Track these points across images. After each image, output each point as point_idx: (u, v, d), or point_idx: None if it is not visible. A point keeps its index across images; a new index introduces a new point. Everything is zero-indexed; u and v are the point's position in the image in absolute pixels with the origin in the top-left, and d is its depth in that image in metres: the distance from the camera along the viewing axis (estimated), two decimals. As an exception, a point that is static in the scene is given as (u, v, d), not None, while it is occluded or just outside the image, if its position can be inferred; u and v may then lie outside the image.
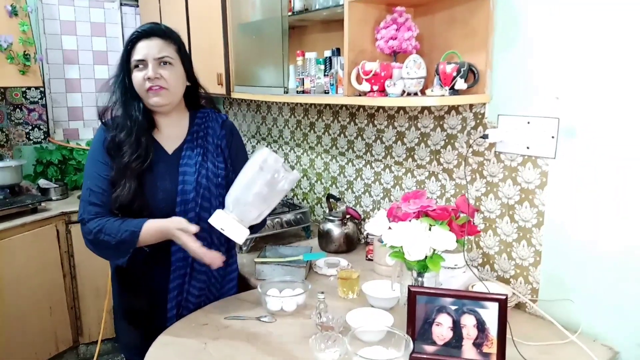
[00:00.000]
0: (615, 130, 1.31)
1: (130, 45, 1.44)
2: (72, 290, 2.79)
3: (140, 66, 1.42)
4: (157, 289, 1.50)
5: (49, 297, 2.66)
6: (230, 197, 1.35)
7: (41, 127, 3.15)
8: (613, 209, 1.33)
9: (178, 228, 1.37)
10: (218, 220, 1.34)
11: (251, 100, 2.95)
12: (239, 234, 1.34)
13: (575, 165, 1.40)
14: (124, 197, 1.40)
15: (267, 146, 2.88)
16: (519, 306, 1.56)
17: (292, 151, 2.68)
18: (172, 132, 1.53)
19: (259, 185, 1.32)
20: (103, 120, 1.50)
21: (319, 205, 2.52)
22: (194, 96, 1.58)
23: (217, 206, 1.50)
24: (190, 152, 1.51)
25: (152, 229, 1.38)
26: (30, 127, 3.12)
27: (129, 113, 1.46)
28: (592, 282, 1.40)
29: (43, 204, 2.72)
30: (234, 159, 1.57)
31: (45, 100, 3.14)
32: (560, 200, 1.45)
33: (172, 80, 1.45)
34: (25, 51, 2.64)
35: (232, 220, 1.33)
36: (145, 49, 1.42)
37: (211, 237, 1.51)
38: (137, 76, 1.43)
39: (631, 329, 1.33)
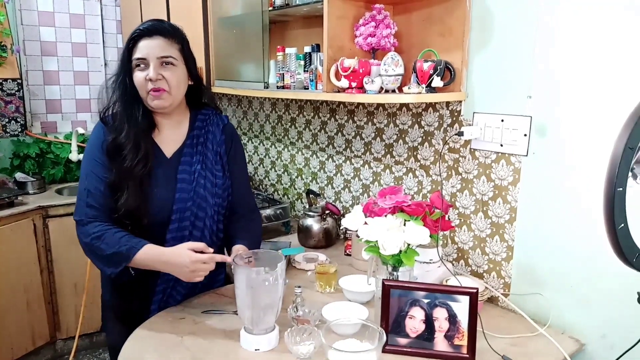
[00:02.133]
0: (585, 128, 1.34)
1: (131, 44, 1.39)
2: (50, 285, 2.76)
3: (142, 66, 1.38)
4: (142, 289, 1.49)
5: (26, 292, 2.63)
6: (246, 321, 1.29)
7: (18, 119, 3.10)
8: (582, 205, 1.37)
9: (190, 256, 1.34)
10: (250, 345, 1.30)
11: (232, 95, 2.95)
12: (272, 340, 1.31)
13: (546, 162, 1.43)
14: (131, 204, 1.38)
15: (248, 141, 2.88)
16: (492, 300, 1.60)
17: (273, 146, 2.68)
18: (171, 134, 1.50)
19: (261, 298, 1.27)
20: (102, 117, 1.46)
21: (299, 200, 2.54)
22: (196, 95, 1.55)
23: (212, 215, 1.50)
24: (189, 158, 1.48)
25: (153, 252, 1.36)
26: (7, 120, 3.06)
27: (130, 114, 1.43)
28: (561, 276, 1.44)
29: (20, 198, 2.69)
30: (232, 165, 1.56)
31: (23, 92, 3.09)
32: (532, 197, 1.48)
33: (174, 81, 1.41)
34: (1, 42, 2.60)
35: (260, 338, 1.29)
36: (147, 48, 1.38)
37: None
38: (139, 76, 1.39)
39: (597, 321, 1.38)
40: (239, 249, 1.46)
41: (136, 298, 1.50)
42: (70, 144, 3.09)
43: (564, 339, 1.40)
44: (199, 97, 1.55)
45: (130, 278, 1.44)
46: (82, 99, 3.34)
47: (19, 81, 3.05)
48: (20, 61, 3.01)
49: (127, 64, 1.40)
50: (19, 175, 2.92)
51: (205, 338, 1.35)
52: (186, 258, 1.33)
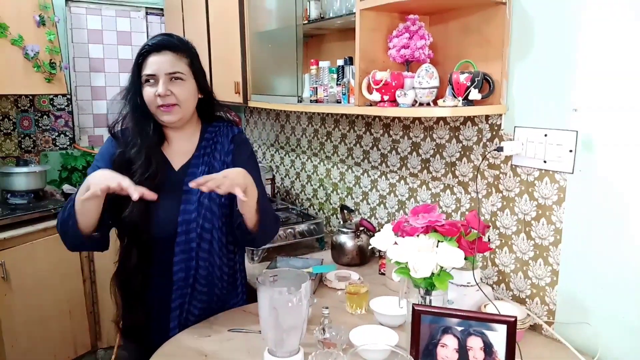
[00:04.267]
0: (636, 144, 1.23)
1: (141, 59, 1.40)
2: (92, 295, 2.83)
3: (151, 81, 1.39)
4: (158, 305, 1.47)
5: (69, 302, 2.70)
6: (270, 342, 1.24)
7: (67, 133, 3.23)
8: (634, 227, 1.25)
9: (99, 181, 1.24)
10: None
11: (270, 109, 2.95)
12: None
13: (594, 180, 1.32)
14: (134, 218, 1.37)
15: (285, 155, 2.87)
16: (535, 328, 1.48)
17: (309, 160, 2.65)
18: (181, 147, 1.50)
19: (284, 319, 1.22)
20: (112, 132, 1.48)
21: (334, 216, 2.49)
22: (207, 108, 1.54)
23: (220, 227, 1.47)
24: (195, 169, 1.47)
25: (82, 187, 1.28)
26: (56, 134, 3.20)
27: (140, 129, 1.43)
28: (611, 304, 1.32)
29: (65, 209, 2.78)
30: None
31: (72, 107, 3.22)
32: (579, 218, 1.37)
33: (183, 96, 1.41)
34: (51, 59, 2.71)
35: None
36: (156, 64, 1.38)
37: (213, 258, 1.48)
38: (148, 92, 1.39)
39: (654, 357, 1.25)
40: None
41: (154, 316, 1.48)
42: (115, 157, 3.17)
43: (615, 375, 1.27)
44: (210, 110, 1.55)
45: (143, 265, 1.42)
46: (127, 114, 3.44)
47: (68, 97, 3.18)
48: (70, 77, 3.13)
49: (136, 79, 1.41)
50: (67, 187, 3.03)
51: (229, 358, 1.32)
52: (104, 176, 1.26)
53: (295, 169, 2.79)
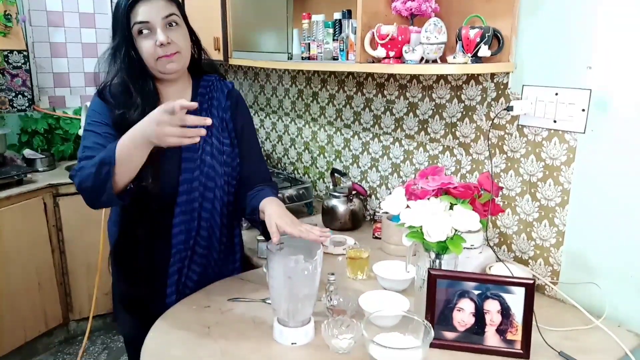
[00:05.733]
0: (655, 103, 1.21)
1: (128, 9, 1.25)
2: (62, 265, 2.68)
3: (145, 32, 1.26)
4: (156, 272, 1.39)
5: (38, 273, 2.55)
6: (282, 313, 1.18)
7: (25, 94, 2.98)
8: (647, 188, 1.24)
9: (160, 114, 1.12)
10: (285, 339, 1.19)
11: (248, 68, 2.80)
12: (308, 333, 1.20)
13: (607, 141, 1.30)
14: (143, 181, 1.26)
15: (265, 117, 2.75)
16: (538, 288, 1.48)
17: (292, 122, 2.55)
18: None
19: (300, 289, 1.15)
20: (100, 94, 1.34)
21: (321, 180, 2.42)
22: (197, 60, 1.44)
23: (222, 186, 1.39)
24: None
25: (126, 135, 1.18)
26: (13, 94, 2.94)
27: (140, 87, 1.30)
28: (620, 265, 1.32)
29: (29, 176, 2.59)
30: (239, 134, 1.45)
31: (29, 65, 2.96)
32: (588, 179, 1.35)
33: (182, 41, 1.31)
34: (5, 11, 2.46)
35: (297, 331, 1.18)
36: (149, 11, 1.26)
37: (215, 219, 1.41)
38: (146, 44, 1.27)
39: (661, 314, 1.26)
40: (269, 201, 1.34)
41: (151, 283, 1.41)
42: (80, 119, 2.97)
43: (622, 332, 1.28)
44: (199, 62, 1.44)
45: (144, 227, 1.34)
46: (91, 73, 3.15)
47: (25, 53, 2.92)
48: (25, 32, 2.87)
49: (127, 32, 1.27)
50: (28, 152, 2.82)
51: (234, 329, 1.25)
52: (155, 111, 1.15)
53: (277, 132, 2.68)
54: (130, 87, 1.30)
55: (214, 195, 1.38)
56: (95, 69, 1.37)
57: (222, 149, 1.40)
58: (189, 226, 1.37)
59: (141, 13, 1.25)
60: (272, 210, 1.29)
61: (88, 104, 2.91)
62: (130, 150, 1.17)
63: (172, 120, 1.11)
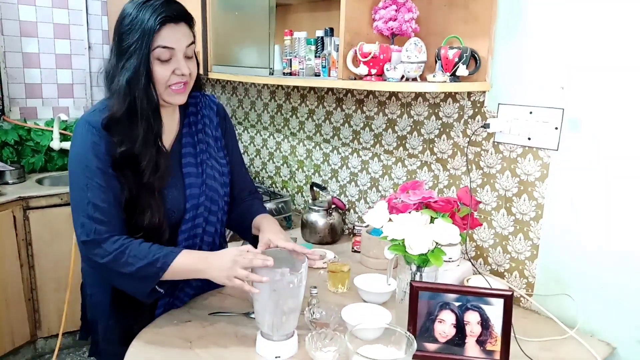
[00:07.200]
0: (622, 123, 1.27)
1: (157, 29, 1.13)
2: (30, 280, 2.59)
3: (165, 57, 1.16)
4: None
5: (5, 289, 2.45)
6: (266, 326, 1.17)
7: (-5, 104, 2.90)
8: (615, 204, 1.30)
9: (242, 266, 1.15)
10: (269, 353, 1.18)
11: (226, 82, 2.81)
12: (292, 346, 1.20)
13: (579, 158, 1.36)
14: (155, 221, 1.21)
15: (243, 131, 2.76)
16: (514, 300, 1.52)
17: (271, 137, 2.56)
18: (167, 125, 1.31)
19: (285, 302, 1.15)
20: (107, 128, 1.19)
21: (299, 194, 2.43)
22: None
23: (223, 207, 1.38)
24: (191, 149, 1.34)
25: (194, 255, 1.19)
26: (-18, 104, 2.86)
27: (148, 116, 1.19)
28: (590, 277, 1.37)
29: (-2, 188, 2.51)
30: (229, 147, 1.45)
31: (0, 75, 2.89)
32: (561, 194, 1.41)
33: (194, 72, 1.25)
34: (-22, 20, 2.41)
35: (281, 344, 1.18)
36: (174, 36, 1.16)
37: (215, 240, 1.41)
38: (162, 70, 1.17)
39: (630, 325, 1.32)
40: (264, 219, 1.38)
41: (141, 312, 1.34)
42: (52, 131, 2.91)
43: (595, 342, 1.33)
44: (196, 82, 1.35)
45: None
46: (64, 84, 3.15)
47: (-4, 63, 2.85)
48: (-3, 42, 2.81)
49: (146, 53, 1.14)
50: (-4, 164, 2.74)
51: (216, 343, 1.24)
52: (231, 251, 1.17)
53: (255, 146, 2.69)
54: (138, 117, 1.18)
55: (216, 218, 1.37)
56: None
57: (221, 170, 1.39)
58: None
59: (167, 37, 1.15)
60: (268, 227, 1.33)
61: (61, 115, 2.87)
62: (184, 275, 1.21)
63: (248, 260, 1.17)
